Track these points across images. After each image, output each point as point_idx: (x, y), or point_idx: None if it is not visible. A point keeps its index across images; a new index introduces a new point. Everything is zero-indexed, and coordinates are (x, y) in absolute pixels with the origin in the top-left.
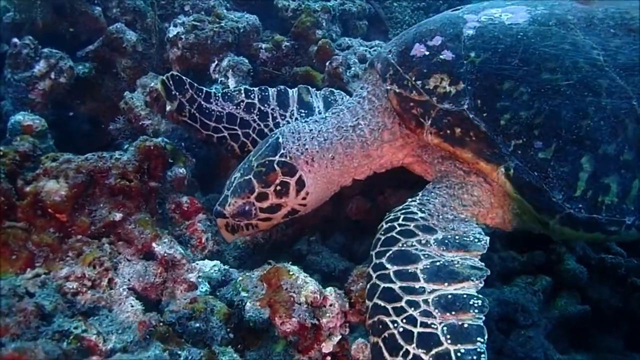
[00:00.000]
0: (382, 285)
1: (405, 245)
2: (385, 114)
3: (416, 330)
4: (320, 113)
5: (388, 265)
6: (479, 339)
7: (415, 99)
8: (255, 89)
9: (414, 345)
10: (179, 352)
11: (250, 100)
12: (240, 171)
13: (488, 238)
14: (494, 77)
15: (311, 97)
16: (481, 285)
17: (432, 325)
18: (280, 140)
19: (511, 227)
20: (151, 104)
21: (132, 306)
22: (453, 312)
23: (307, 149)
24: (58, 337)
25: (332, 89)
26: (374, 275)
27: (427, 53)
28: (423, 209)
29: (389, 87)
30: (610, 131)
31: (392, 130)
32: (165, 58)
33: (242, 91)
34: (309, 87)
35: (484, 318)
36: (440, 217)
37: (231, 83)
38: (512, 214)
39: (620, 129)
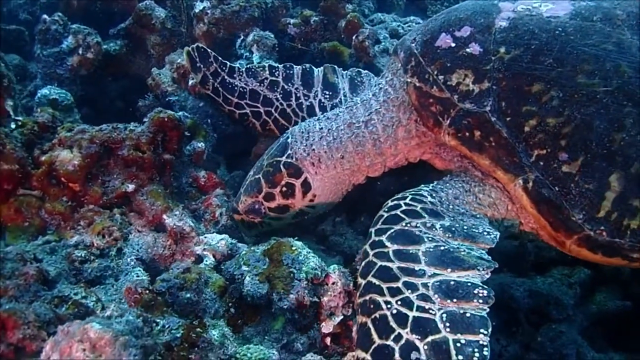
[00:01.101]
0: (379, 263)
1: (409, 225)
2: (400, 109)
3: (412, 314)
4: (345, 95)
5: (388, 244)
6: (482, 330)
7: (436, 95)
8: (280, 66)
9: (407, 330)
10: (157, 320)
11: (274, 78)
12: (254, 169)
13: (498, 234)
14: (522, 78)
15: (337, 77)
16: (487, 276)
17: (430, 311)
18: (289, 140)
19: (526, 238)
20: (178, 80)
21: (137, 276)
22: (455, 300)
23: (314, 149)
24: (57, 301)
25: (360, 70)
26: (370, 253)
27: (453, 45)
28: (434, 195)
29: (409, 80)
30: None
31: (407, 127)
32: (194, 34)
33: (267, 68)
34: (335, 67)
35: (488, 309)
36: (451, 206)
37: (255, 58)
38: (528, 226)
39: None
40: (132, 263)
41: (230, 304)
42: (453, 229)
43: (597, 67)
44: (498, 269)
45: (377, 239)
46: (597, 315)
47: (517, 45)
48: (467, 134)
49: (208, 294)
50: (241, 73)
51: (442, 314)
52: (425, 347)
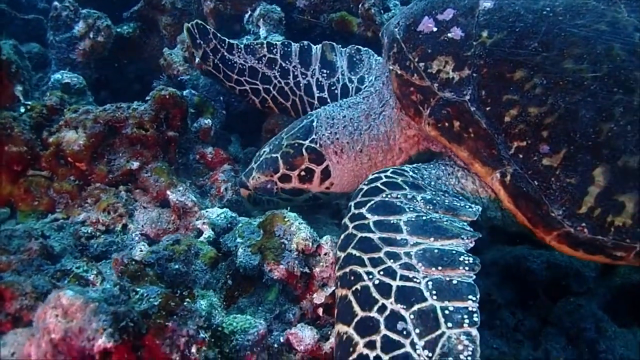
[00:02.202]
0: (360, 234)
1: (389, 196)
2: (394, 100)
3: (395, 283)
4: (343, 74)
5: (368, 215)
6: (470, 296)
7: (416, 83)
8: (278, 43)
9: (392, 300)
10: (137, 289)
11: (272, 56)
12: (270, 146)
13: (480, 208)
14: (505, 64)
15: (335, 55)
16: (471, 245)
17: (415, 279)
18: (315, 123)
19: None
20: (190, 59)
21: (141, 251)
22: (439, 267)
23: (337, 138)
24: (59, 275)
25: (359, 47)
26: (350, 225)
27: (434, 29)
28: (415, 171)
29: (391, 67)
30: (638, 139)
31: (396, 118)
32: (203, 12)
33: (265, 45)
34: (333, 44)
35: (474, 277)
36: (432, 183)
37: (262, 32)
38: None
39: None
40: (137, 238)
41: (228, 276)
42: (434, 201)
43: (586, 50)
44: (513, 240)
45: (356, 211)
46: (621, 288)
47: (500, 28)
48: (446, 124)
49: (199, 265)
50: (240, 50)
51: (428, 282)
52: (412, 316)
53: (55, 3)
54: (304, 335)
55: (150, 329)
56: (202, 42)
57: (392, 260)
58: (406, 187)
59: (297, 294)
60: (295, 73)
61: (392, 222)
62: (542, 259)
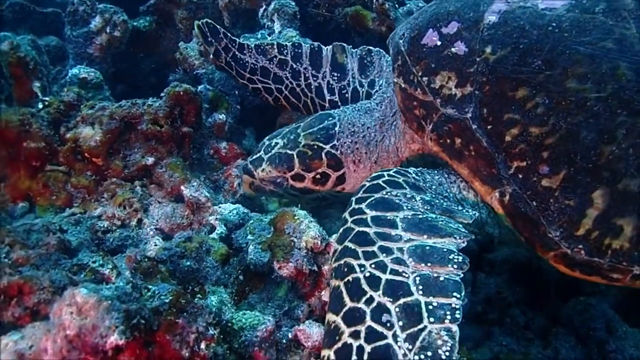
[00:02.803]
0: (357, 228)
1: (389, 194)
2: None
3: (385, 277)
4: (354, 77)
5: (367, 210)
6: (455, 294)
7: (419, 98)
8: (288, 44)
9: (379, 292)
10: (149, 287)
11: (282, 57)
12: (283, 139)
13: (477, 214)
14: (507, 82)
15: (346, 57)
16: (463, 245)
17: (404, 274)
18: (337, 128)
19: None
20: (205, 53)
21: (155, 245)
22: (429, 264)
23: (357, 147)
24: (76, 269)
25: (370, 48)
26: (349, 220)
27: (438, 43)
28: (419, 174)
29: (395, 80)
30: (639, 162)
31: (402, 130)
32: (218, 6)
33: (275, 46)
34: (344, 45)
35: (462, 275)
36: (434, 187)
37: (277, 27)
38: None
39: None
40: (151, 233)
41: (239, 272)
42: (433, 203)
43: (591, 69)
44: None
45: (356, 206)
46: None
47: (504, 44)
48: (448, 140)
49: (210, 261)
50: (251, 50)
51: (416, 277)
52: (397, 309)
53: None
54: (312, 332)
55: (161, 325)
56: (213, 40)
57: (384, 254)
58: (407, 187)
59: (305, 292)
60: (307, 75)
61: (388, 218)
62: None
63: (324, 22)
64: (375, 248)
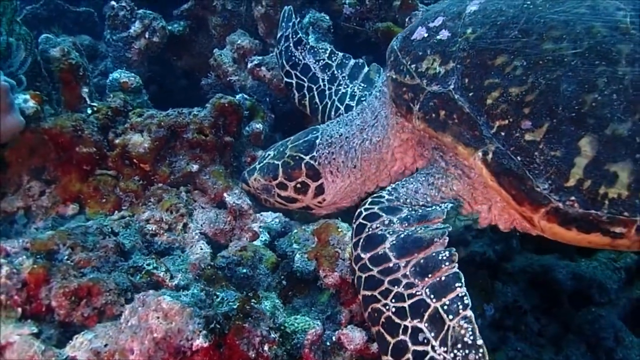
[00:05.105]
0: (364, 275)
1: (371, 229)
2: (390, 106)
3: (406, 304)
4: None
5: (363, 255)
6: (457, 284)
7: (408, 83)
8: (340, 54)
9: (409, 319)
10: (217, 293)
11: (329, 62)
12: (275, 150)
13: (450, 205)
14: (486, 53)
15: (378, 76)
16: (447, 240)
17: (417, 293)
18: (318, 140)
19: (503, 227)
20: (239, 61)
21: (201, 249)
22: (429, 275)
23: (334, 158)
24: (132, 271)
25: None
26: (356, 268)
27: (425, 35)
28: (392, 192)
29: (388, 74)
30: (626, 106)
31: (390, 121)
32: (253, 15)
33: (327, 51)
34: (380, 67)
35: (456, 265)
36: (409, 200)
37: (311, 40)
38: (499, 210)
39: None
40: (197, 237)
41: (282, 277)
42: (408, 216)
43: (566, 31)
44: (543, 250)
45: (355, 253)
46: None
47: (483, 24)
48: (433, 115)
49: (262, 269)
50: (305, 47)
51: (426, 289)
52: (426, 324)
53: (112, 2)
54: (354, 336)
55: (231, 329)
56: (283, 25)
57: (396, 287)
58: (382, 214)
59: (347, 299)
60: (341, 82)
61: (380, 253)
62: (568, 269)
63: (354, 35)
64: (386, 285)
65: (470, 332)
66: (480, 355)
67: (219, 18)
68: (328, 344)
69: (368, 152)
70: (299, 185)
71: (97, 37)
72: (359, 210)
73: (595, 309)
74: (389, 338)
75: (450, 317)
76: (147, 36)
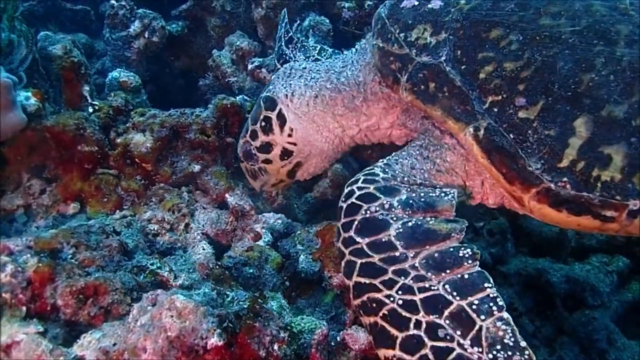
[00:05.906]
0: (359, 261)
1: (368, 212)
2: (365, 69)
3: (417, 297)
4: None
5: (358, 239)
6: (486, 284)
7: (396, 52)
8: (329, 50)
9: (422, 313)
10: (228, 293)
11: (319, 58)
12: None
13: (455, 191)
14: (481, 25)
15: None
16: (463, 236)
17: (432, 288)
18: (273, 77)
19: (492, 203)
20: (237, 62)
21: (203, 249)
22: (447, 270)
23: (290, 84)
24: (136, 270)
25: None
26: (346, 252)
27: (416, 3)
28: (387, 170)
29: (374, 42)
30: (622, 88)
31: (372, 89)
32: (252, 17)
33: (317, 48)
34: None
35: (478, 264)
36: (406, 178)
37: (311, 43)
38: (490, 185)
39: (639, 86)
40: (198, 237)
41: (285, 278)
42: (411, 201)
43: (564, 8)
44: (538, 253)
45: (346, 235)
46: (633, 303)
47: None
48: (422, 87)
49: (268, 269)
50: (296, 45)
51: (444, 285)
52: (447, 321)
53: (112, 1)
54: (359, 336)
55: (242, 328)
56: (281, 26)
57: (402, 277)
58: (380, 196)
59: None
60: None
61: (383, 240)
62: (562, 272)
63: (352, 37)
64: (390, 275)
65: (510, 334)
66: (526, 357)
67: (218, 19)
68: (333, 344)
69: (336, 92)
70: (263, 123)
71: (93, 35)
72: (349, 189)
73: (589, 312)
74: (394, 332)
75: (482, 317)
76: (146, 36)
